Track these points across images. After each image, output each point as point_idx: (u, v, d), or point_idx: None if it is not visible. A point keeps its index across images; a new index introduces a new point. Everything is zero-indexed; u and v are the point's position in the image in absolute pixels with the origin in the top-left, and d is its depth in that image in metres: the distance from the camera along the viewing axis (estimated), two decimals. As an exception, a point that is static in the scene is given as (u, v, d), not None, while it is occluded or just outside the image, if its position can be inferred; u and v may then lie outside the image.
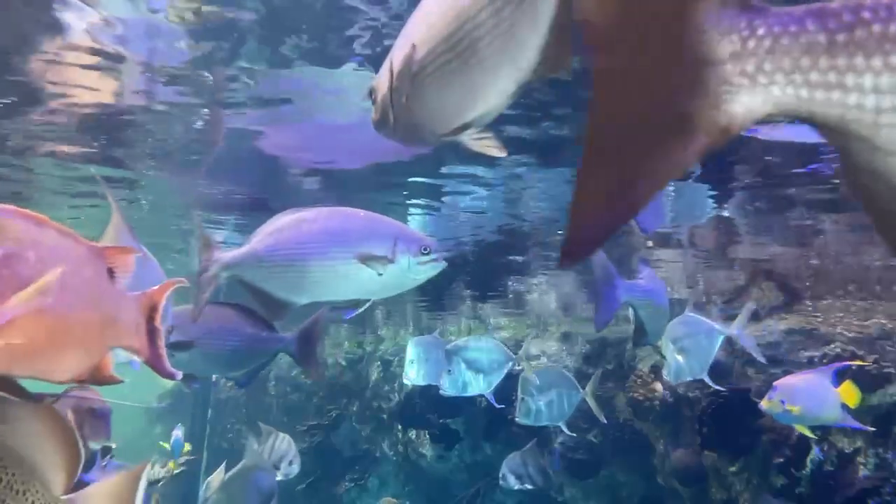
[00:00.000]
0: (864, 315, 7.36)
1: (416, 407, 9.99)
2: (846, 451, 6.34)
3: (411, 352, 7.46)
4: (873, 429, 5.88)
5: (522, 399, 6.51)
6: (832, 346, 6.80)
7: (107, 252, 1.89)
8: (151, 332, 2.06)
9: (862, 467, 6.30)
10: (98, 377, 1.89)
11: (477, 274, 10.87)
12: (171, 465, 7.58)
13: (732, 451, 6.88)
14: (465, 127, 1.81)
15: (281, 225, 3.08)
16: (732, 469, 6.99)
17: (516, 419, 6.59)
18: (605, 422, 7.10)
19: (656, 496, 8.23)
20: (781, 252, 8.89)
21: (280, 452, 6.98)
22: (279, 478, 6.79)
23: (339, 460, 11.96)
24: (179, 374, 2.09)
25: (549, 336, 10.15)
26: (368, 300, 3.12)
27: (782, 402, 5.05)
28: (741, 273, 9.44)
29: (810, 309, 7.94)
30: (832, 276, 8.97)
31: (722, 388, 6.26)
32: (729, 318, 5.84)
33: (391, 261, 2.95)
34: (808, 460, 6.46)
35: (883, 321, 7.00)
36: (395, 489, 11.34)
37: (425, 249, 2.99)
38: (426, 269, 3.01)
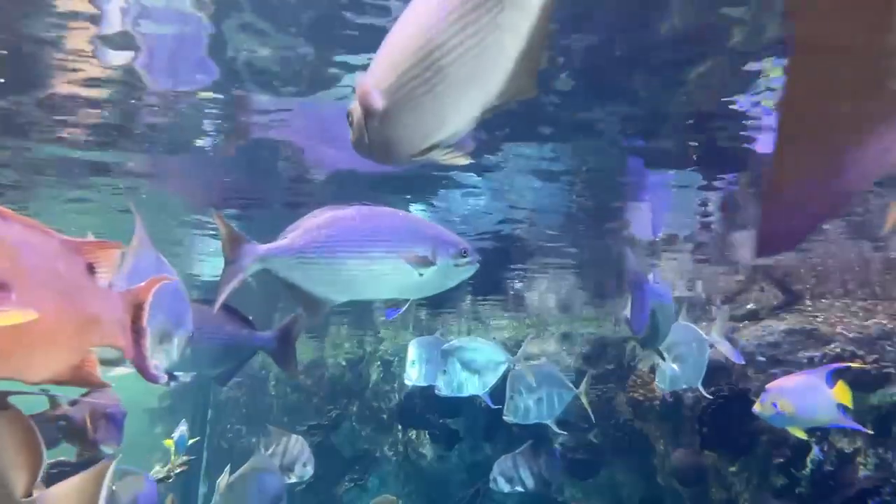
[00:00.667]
0: (865, 315, 7.36)
1: (416, 407, 9.99)
2: (846, 451, 6.35)
3: (413, 352, 7.47)
4: (871, 431, 5.88)
5: (511, 397, 6.52)
6: (832, 346, 6.80)
7: (85, 247, 1.80)
8: (137, 332, 1.96)
9: (862, 467, 6.30)
10: (80, 378, 1.79)
11: (477, 274, 10.85)
12: (173, 459, 7.54)
13: (732, 451, 6.88)
14: (435, 147, 1.90)
15: (318, 222, 3.05)
16: (732, 469, 7.00)
17: (504, 417, 6.59)
18: (594, 420, 7.14)
19: (656, 496, 8.23)
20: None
21: (293, 455, 6.95)
22: (293, 480, 6.76)
23: (339, 460, 11.96)
24: (163, 378, 2.01)
25: (548, 336, 10.15)
26: (408, 300, 3.18)
27: (774, 404, 5.06)
28: (741, 273, 9.44)
29: (810, 309, 7.94)
30: (832, 276, 8.97)
31: (711, 396, 6.31)
32: (730, 317, 5.86)
33: (432, 262, 3.02)
34: (808, 460, 6.46)
35: (883, 321, 7.00)
36: (395, 489, 11.33)
37: (463, 252, 3.09)
38: (463, 271, 3.11)
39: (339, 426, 12.19)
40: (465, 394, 6.77)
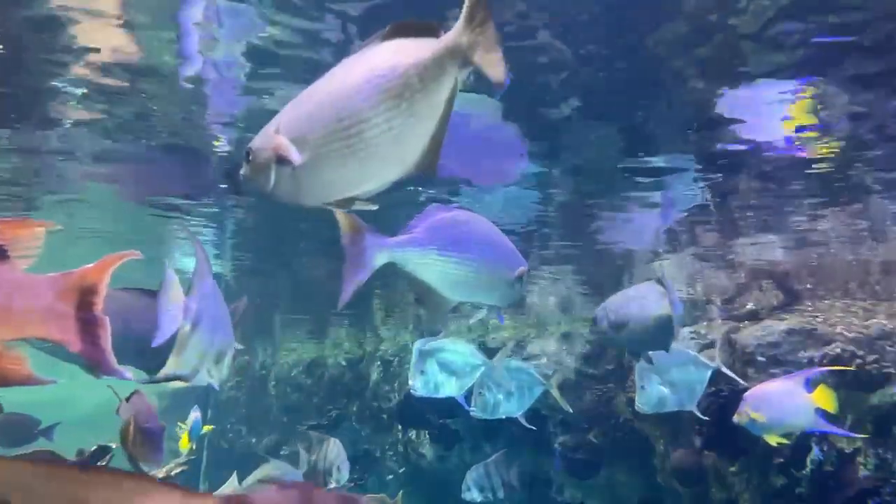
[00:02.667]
0: (865, 315, 7.36)
1: (416, 407, 9.99)
2: (846, 451, 6.35)
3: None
4: (858, 435, 5.85)
5: (479, 392, 6.45)
6: (832, 346, 6.79)
7: None
8: (89, 322, 1.71)
9: (862, 467, 6.30)
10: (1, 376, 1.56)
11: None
12: (183, 439, 7.41)
13: (732, 451, 6.88)
14: (350, 201, 2.16)
15: (444, 220, 3.04)
16: (732, 469, 6.99)
17: (471, 413, 6.53)
18: (570, 410, 7.13)
19: (656, 496, 8.23)
20: (782, 252, 8.89)
21: (331, 460, 6.84)
22: (332, 485, 6.66)
23: (339, 460, 11.95)
24: (127, 373, 1.82)
25: (548, 336, 10.14)
26: (503, 307, 3.34)
27: (748, 413, 5.08)
28: (741, 273, 9.44)
29: (810, 309, 7.94)
30: (832, 277, 8.97)
31: (706, 418, 6.34)
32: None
33: (520, 278, 3.23)
34: (808, 460, 6.46)
35: (883, 321, 7.00)
36: (394, 489, 11.33)
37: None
38: (522, 289, 3.29)
39: (339, 426, 12.19)
40: (442, 395, 6.73)
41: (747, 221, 8.04)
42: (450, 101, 2.02)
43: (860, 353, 6.63)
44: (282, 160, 2.06)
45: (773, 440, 5.20)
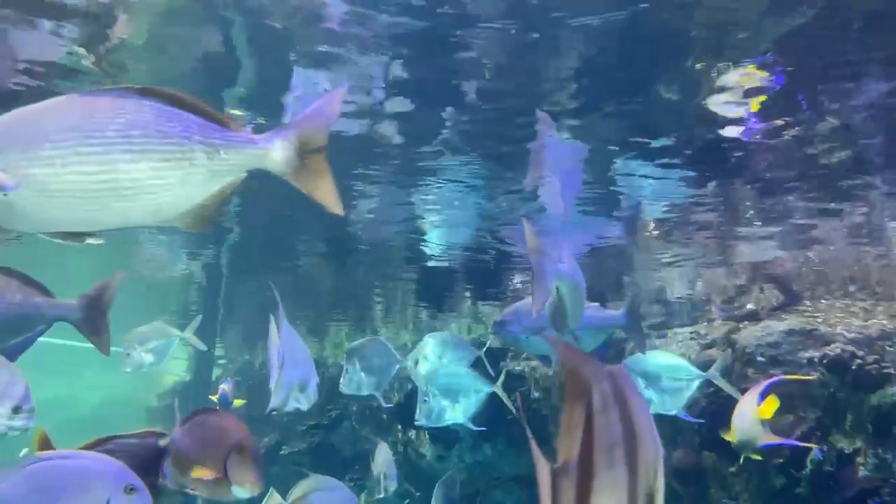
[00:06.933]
0: (865, 315, 7.36)
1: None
2: (846, 451, 6.35)
3: (428, 349, 7.07)
4: (812, 445, 5.79)
5: (424, 401, 6.34)
6: (832, 346, 6.79)
7: None
8: None
9: (861, 468, 6.30)
10: None
11: (476, 273, 10.88)
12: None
13: (732, 451, 6.88)
14: (79, 236, 2.09)
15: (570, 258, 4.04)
16: (732, 469, 6.99)
17: (415, 421, 6.43)
18: (517, 413, 7.11)
19: (656, 496, 8.22)
20: (782, 252, 8.89)
21: (380, 467, 6.74)
22: (381, 495, 6.60)
23: (338, 460, 11.96)
24: None
25: (548, 336, 10.14)
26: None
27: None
28: (741, 273, 9.45)
29: (810, 309, 7.95)
30: (832, 277, 8.97)
31: (702, 420, 6.33)
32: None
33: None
34: (808, 460, 6.46)
35: (883, 321, 7.00)
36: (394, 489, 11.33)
37: None
38: None
39: (339, 426, 12.18)
40: (363, 393, 6.75)
41: (747, 220, 8.04)
42: (234, 185, 2.02)
43: (860, 353, 6.63)
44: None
45: (753, 455, 5.20)
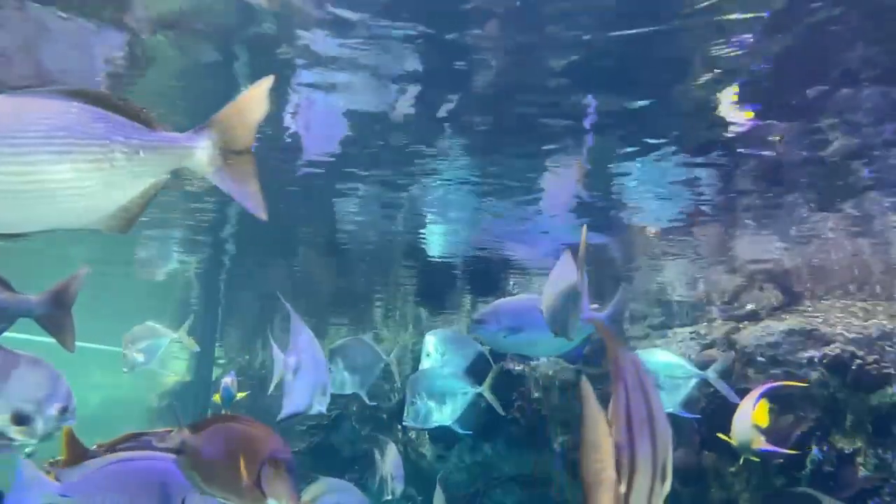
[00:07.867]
0: (865, 315, 7.36)
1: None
2: (846, 451, 6.35)
3: (431, 345, 7.08)
4: (790, 452, 5.82)
5: (412, 402, 6.36)
6: (832, 346, 6.79)
7: None
8: None
9: (861, 468, 6.30)
10: None
11: (476, 274, 10.88)
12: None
13: (732, 451, 6.88)
14: (13, 237, 2.02)
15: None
16: (732, 469, 6.99)
17: (404, 422, 6.45)
18: (504, 414, 7.02)
19: (656, 496, 8.22)
20: (782, 252, 8.89)
21: (387, 469, 6.75)
22: (388, 497, 6.55)
23: (338, 460, 11.95)
24: None
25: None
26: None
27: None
28: (741, 273, 9.44)
29: (810, 309, 7.94)
30: (832, 277, 8.97)
31: (699, 415, 6.34)
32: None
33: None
34: (808, 460, 6.46)
35: (883, 321, 7.00)
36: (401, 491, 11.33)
37: None
38: None
39: (339, 426, 12.18)
40: (346, 392, 6.79)
41: (747, 220, 8.04)
42: (157, 186, 1.99)
43: (860, 353, 6.63)
44: None
45: (752, 457, 5.23)
